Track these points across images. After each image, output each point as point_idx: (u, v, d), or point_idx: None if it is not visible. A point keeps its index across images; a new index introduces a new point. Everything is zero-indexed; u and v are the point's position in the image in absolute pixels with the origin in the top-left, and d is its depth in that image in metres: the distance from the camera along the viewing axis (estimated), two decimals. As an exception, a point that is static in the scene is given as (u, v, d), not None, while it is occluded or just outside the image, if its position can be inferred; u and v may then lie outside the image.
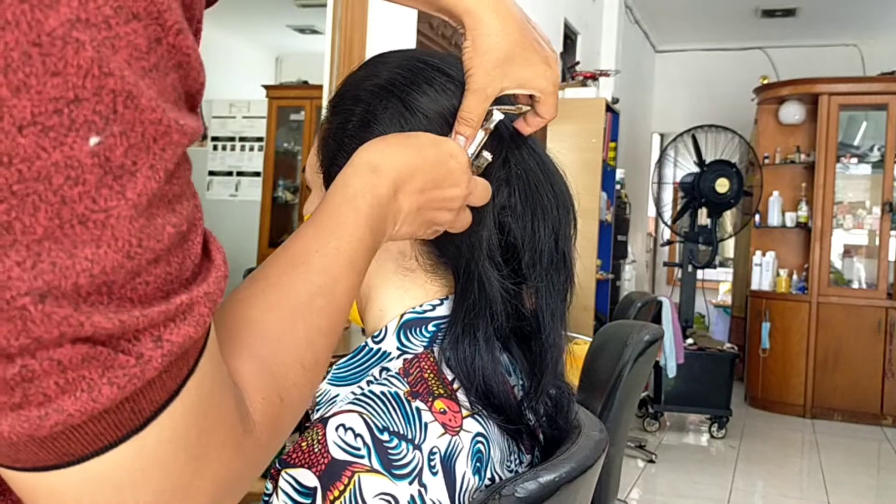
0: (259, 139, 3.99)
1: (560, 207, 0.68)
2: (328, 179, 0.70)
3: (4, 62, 0.29)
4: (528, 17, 0.67)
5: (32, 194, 0.30)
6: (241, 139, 4.02)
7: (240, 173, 4.00)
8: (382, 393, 0.58)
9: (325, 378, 0.68)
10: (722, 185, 5.37)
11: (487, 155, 0.64)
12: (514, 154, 0.67)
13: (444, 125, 0.66)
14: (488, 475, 0.60)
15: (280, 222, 3.98)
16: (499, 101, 0.66)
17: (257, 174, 3.98)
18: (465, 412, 0.61)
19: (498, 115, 0.65)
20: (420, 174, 0.59)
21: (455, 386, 0.62)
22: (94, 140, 0.31)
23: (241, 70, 5.82)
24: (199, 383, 0.37)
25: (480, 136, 0.64)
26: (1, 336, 0.30)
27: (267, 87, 4.25)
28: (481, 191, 0.63)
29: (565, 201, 0.69)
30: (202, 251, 0.37)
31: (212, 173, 4.00)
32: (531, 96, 0.67)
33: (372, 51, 2.58)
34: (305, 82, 4.25)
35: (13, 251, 0.30)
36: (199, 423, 0.38)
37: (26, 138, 0.29)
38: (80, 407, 0.32)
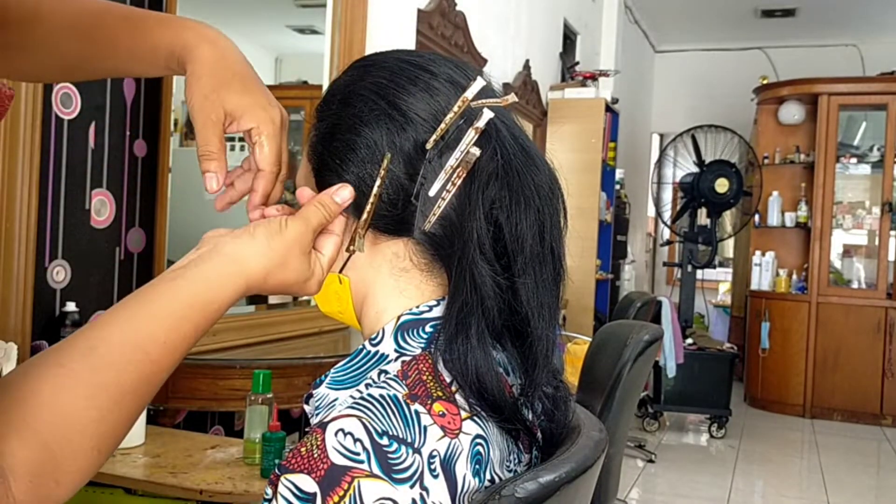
0: (259, 139, 3.98)
1: (542, 197, 0.66)
2: (320, 185, 0.70)
3: None
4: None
5: None
6: (241, 139, 4.00)
7: (240, 173, 4.00)
8: (381, 396, 0.58)
9: (324, 382, 0.68)
10: (721, 185, 5.37)
11: (476, 150, 0.62)
12: (500, 146, 0.65)
13: (437, 125, 0.65)
14: (488, 477, 0.60)
15: (280, 222, 3.98)
16: (484, 95, 0.65)
17: (257, 174, 3.98)
18: (464, 414, 0.60)
19: (488, 114, 0.63)
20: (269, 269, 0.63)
21: (453, 388, 0.62)
22: None
23: (240, 70, 5.81)
24: None
25: (471, 135, 0.63)
26: None
27: (266, 87, 4.24)
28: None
29: (546, 192, 0.67)
30: None
31: (212, 173, 4.00)
32: (253, 143, 0.69)
33: (371, 51, 2.58)
34: (305, 82, 4.24)
35: None
36: None
37: None
38: None
